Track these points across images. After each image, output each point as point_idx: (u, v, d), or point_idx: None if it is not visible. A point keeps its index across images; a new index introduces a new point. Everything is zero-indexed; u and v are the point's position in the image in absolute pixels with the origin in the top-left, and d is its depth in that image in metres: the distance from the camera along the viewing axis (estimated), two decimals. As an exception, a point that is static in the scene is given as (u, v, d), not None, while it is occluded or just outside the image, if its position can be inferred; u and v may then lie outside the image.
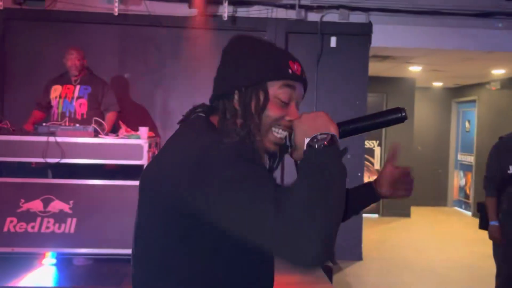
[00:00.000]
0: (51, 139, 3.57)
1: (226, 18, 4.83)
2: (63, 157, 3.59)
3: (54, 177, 3.94)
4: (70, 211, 3.61)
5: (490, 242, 3.35)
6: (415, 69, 7.16)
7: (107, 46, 4.96)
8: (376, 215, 7.93)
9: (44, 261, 3.48)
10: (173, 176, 0.98)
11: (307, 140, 1.02)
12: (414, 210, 8.11)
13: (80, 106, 4.04)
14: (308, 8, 5.05)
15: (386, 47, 5.35)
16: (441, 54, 5.92)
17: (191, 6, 4.73)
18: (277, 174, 1.30)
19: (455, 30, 5.22)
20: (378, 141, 8.14)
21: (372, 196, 1.33)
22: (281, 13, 5.07)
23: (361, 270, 5.02)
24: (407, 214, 8.04)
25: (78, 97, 4.06)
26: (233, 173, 0.93)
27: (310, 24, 5.07)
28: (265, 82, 1.07)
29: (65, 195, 3.65)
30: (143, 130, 3.80)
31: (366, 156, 7.26)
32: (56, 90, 4.10)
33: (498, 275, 3.32)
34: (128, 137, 3.78)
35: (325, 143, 0.99)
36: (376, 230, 6.76)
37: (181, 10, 4.90)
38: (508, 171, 3.21)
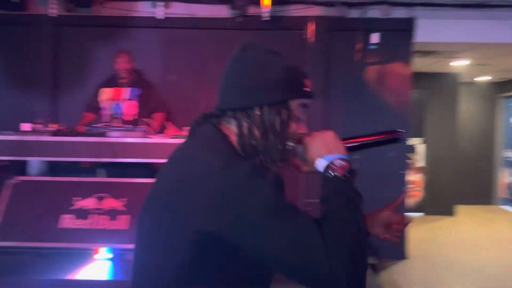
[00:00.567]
0: (103, 139, 3.73)
1: (266, 18, 4.87)
2: (114, 156, 3.75)
3: (106, 176, 4.12)
4: (123, 208, 3.76)
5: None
6: (459, 64, 6.98)
7: (153, 49, 5.11)
8: (420, 214, 7.78)
9: (97, 256, 3.63)
10: (199, 207, 0.94)
11: (322, 161, 1.04)
12: (459, 208, 7.90)
13: (129, 107, 4.20)
14: (350, 5, 5.03)
15: (429, 42, 5.25)
16: (488, 48, 5.75)
17: (233, 7, 4.80)
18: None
19: (503, 22, 5.06)
20: (421, 139, 7.98)
21: None
22: (320, 11, 5.08)
23: (406, 269, 4.96)
24: (452, 213, 7.84)
25: (127, 99, 4.22)
26: (275, 206, 0.91)
27: (351, 21, 5.05)
28: (288, 101, 1.07)
29: (117, 193, 3.81)
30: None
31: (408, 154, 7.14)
32: (106, 93, 4.27)
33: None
34: (175, 137, 3.89)
35: (345, 172, 1.02)
36: (420, 229, 6.63)
37: (222, 11, 4.99)
38: None
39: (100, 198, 3.80)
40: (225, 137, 1.06)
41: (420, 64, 6.51)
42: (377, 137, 1.18)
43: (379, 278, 3.70)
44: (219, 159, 0.98)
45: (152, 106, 4.28)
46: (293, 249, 0.89)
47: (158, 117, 4.24)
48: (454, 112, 7.94)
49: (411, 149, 7.71)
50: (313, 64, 5.06)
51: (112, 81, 4.32)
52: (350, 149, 1.13)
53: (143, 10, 4.98)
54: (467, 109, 8.70)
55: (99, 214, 3.75)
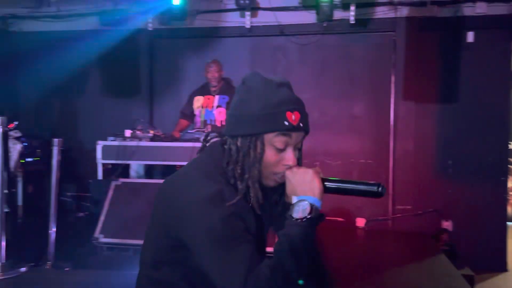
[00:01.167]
0: (196, 144, 3.94)
1: (353, 22, 4.83)
2: (206, 161, 3.94)
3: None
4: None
5: None
6: None
7: (240, 57, 5.30)
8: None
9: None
10: (170, 214, 1.17)
11: (294, 199, 1.15)
12: None
13: (219, 114, 4.40)
14: (441, 4, 4.82)
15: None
16: None
17: (319, 13, 4.83)
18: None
19: None
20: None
21: None
22: (410, 12, 4.92)
23: (506, 282, 4.61)
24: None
25: (218, 106, 4.42)
26: (216, 234, 1.07)
27: (443, 20, 4.83)
28: (262, 134, 1.17)
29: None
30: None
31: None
32: (198, 101, 4.52)
33: None
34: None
35: (304, 216, 1.11)
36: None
37: (308, 17, 5.04)
38: None
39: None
40: (222, 158, 1.22)
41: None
42: (357, 186, 1.20)
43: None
44: (195, 179, 1.17)
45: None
46: (216, 270, 1.07)
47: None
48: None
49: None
50: (404, 66, 4.92)
51: (203, 89, 4.55)
52: (327, 190, 1.19)
53: (232, 20, 5.18)
54: None
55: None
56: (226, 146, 1.23)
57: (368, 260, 3.90)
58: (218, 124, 4.37)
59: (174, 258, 1.20)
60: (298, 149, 1.26)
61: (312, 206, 1.14)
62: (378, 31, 5.05)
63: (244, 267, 1.04)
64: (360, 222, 4.97)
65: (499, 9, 4.71)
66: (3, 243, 3.42)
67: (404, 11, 4.92)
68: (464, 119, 4.82)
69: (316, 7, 4.82)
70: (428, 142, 4.95)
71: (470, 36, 4.76)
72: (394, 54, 4.98)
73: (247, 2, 4.92)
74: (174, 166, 4.25)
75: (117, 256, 3.88)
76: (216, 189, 1.12)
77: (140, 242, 3.46)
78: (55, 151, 3.77)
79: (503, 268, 4.80)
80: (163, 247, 1.21)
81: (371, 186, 1.20)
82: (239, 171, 1.19)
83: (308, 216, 1.12)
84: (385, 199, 4.94)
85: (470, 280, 3.31)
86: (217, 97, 4.46)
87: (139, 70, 5.51)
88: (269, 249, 1.21)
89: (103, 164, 4.19)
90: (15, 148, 4.27)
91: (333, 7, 4.76)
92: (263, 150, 1.18)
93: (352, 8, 4.80)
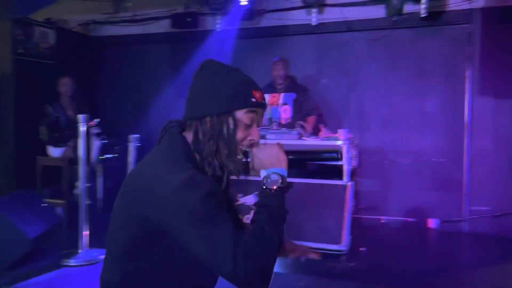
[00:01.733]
0: (262, 141, 4.00)
1: (424, 15, 4.65)
2: (272, 157, 4.00)
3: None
4: (278, 206, 3.99)
5: None
6: None
7: (306, 54, 5.30)
8: None
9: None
10: (147, 201, 1.17)
11: (263, 172, 1.24)
12: None
13: (285, 111, 4.44)
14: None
15: None
16: None
17: (388, 7, 4.70)
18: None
19: None
20: None
21: None
22: (486, 2, 4.65)
23: None
24: None
25: (284, 104, 4.47)
26: (204, 205, 1.11)
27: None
28: (233, 111, 1.24)
29: (274, 191, 4.05)
30: (343, 132, 3.96)
31: None
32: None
33: None
34: (329, 139, 3.99)
35: (277, 186, 1.22)
36: None
37: (376, 12, 4.92)
38: None
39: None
40: (183, 144, 1.27)
41: None
42: (316, 153, 1.35)
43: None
44: (165, 168, 1.20)
45: (306, 110, 4.46)
46: (205, 248, 1.10)
47: (311, 120, 4.39)
48: None
49: None
50: (481, 60, 4.66)
51: (269, 87, 4.62)
52: (293, 163, 1.29)
53: (298, 18, 5.20)
54: None
55: (258, 210, 4.04)
56: (190, 130, 1.29)
57: (441, 264, 3.75)
58: (283, 121, 4.41)
59: (151, 248, 1.22)
60: (259, 126, 1.34)
61: (282, 176, 1.24)
62: (452, 24, 4.81)
63: (231, 241, 1.09)
64: (433, 223, 4.78)
65: None
66: (86, 232, 3.71)
67: (480, 2, 4.65)
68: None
69: (385, 1, 4.70)
70: (508, 139, 4.65)
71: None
72: (470, 47, 4.72)
73: (314, -1, 4.91)
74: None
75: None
76: (188, 174, 1.17)
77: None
78: (132, 147, 4.01)
79: None
80: (139, 238, 1.21)
81: (330, 153, 1.35)
82: (214, 149, 1.24)
83: (281, 186, 1.23)
84: (459, 199, 4.71)
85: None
86: (283, 94, 4.50)
87: (208, 70, 5.69)
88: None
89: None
90: (96, 144, 4.60)
91: (403, 0, 4.61)
92: (236, 126, 1.25)
93: (424, 0, 4.62)
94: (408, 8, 4.70)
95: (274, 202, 1.23)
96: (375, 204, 4.90)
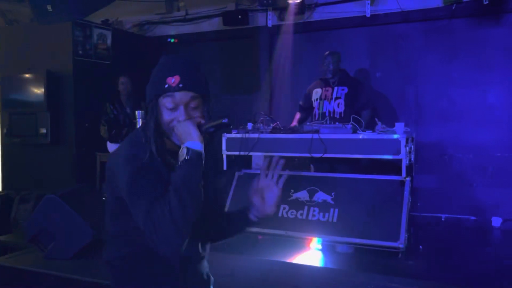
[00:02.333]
0: (315, 136, 3.95)
1: (486, 2, 4.41)
2: (325, 152, 3.93)
3: (316, 170, 4.36)
4: (332, 202, 3.92)
5: None
6: None
7: (359, 47, 5.18)
8: None
9: (311, 245, 3.87)
10: (114, 169, 1.45)
11: (182, 147, 1.38)
12: None
13: (338, 105, 4.35)
14: None
15: None
16: None
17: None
18: None
19: None
20: None
21: (243, 223, 1.67)
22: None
23: None
24: None
25: (336, 98, 4.38)
26: (134, 176, 1.37)
27: None
28: (155, 99, 1.44)
29: (327, 187, 3.99)
30: (399, 126, 3.82)
31: None
32: (317, 93, 4.52)
33: None
34: (383, 132, 3.86)
35: (183, 159, 1.35)
36: None
37: (433, 1, 4.73)
38: None
39: (312, 192, 4.04)
40: (141, 129, 1.51)
41: None
42: (216, 122, 1.44)
43: None
44: (122, 147, 1.49)
45: (360, 104, 4.35)
46: (133, 207, 1.36)
47: (365, 113, 4.28)
48: None
49: None
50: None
51: (322, 82, 4.55)
52: (205, 134, 1.41)
53: (351, 10, 5.08)
54: None
55: (311, 206, 3.99)
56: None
57: (503, 264, 3.54)
58: (337, 116, 4.33)
59: (124, 214, 1.44)
60: (195, 107, 1.46)
61: (188, 149, 1.35)
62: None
63: (146, 203, 1.31)
64: (496, 221, 4.53)
65: None
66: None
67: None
68: None
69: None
70: None
71: None
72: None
73: (368, -10, 4.79)
74: (293, 157, 4.32)
75: (240, 242, 4.06)
76: (130, 151, 1.43)
77: (262, 230, 3.56)
78: (185, 142, 4.07)
79: None
80: (119, 206, 1.46)
81: (218, 120, 1.45)
82: (152, 131, 1.45)
83: (186, 158, 1.35)
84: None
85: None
86: (336, 88, 4.42)
87: (259, 66, 5.70)
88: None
89: (228, 156, 4.41)
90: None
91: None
92: (157, 112, 1.44)
93: (486, -13, 4.38)
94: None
95: (178, 174, 1.35)
96: (433, 201, 4.71)
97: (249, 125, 4.34)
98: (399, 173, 3.78)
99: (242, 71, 5.84)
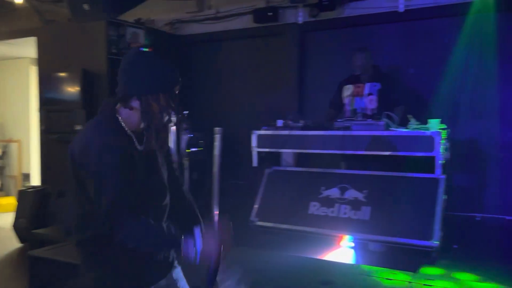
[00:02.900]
0: (347, 132, 3.92)
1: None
2: (357, 149, 3.90)
3: (347, 168, 4.32)
4: (364, 200, 3.88)
5: None
6: None
7: (391, 42, 5.10)
8: None
9: (342, 243, 3.84)
10: (85, 154, 1.56)
11: None
12: None
13: (370, 102, 4.30)
14: None
15: None
16: None
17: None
18: None
19: None
20: None
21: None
22: None
23: None
24: None
25: (368, 94, 4.33)
26: (106, 165, 1.52)
27: None
28: (160, 93, 1.63)
29: (359, 184, 3.95)
30: (434, 122, 3.75)
31: None
32: (348, 89, 4.48)
33: None
34: (417, 129, 3.80)
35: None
36: None
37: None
38: None
39: (343, 189, 4.02)
40: (114, 112, 1.66)
41: None
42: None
43: None
44: (98, 134, 1.59)
45: (392, 100, 4.28)
46: (98, 193, 1.52)
47: (398, 110, 4.21)
48: None
49: None
50: None
51: (353, 78, 4.50)
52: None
53: (383, 6, 5.01)
54: None
55: (343, 204, 3.96)
56: (132, 104, 1.68)
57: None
58: (369, 112, 4.27)
59: (88, 198, 1.58)
60: None
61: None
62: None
63: (112, 194, 1.49)
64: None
65: None
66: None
67: None
68: None
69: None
70: None
71: None
72: None
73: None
74: (324, 154, 4.29)
75: (271, 238, 4.09)
76: (106, 141, 1.56)
77: (293, 227, 3.61)
78: (218, 138, 4.10)
79: None
80: (81, 193, 1.60)
81: None
82: (150, 123, 1.65)
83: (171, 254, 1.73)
84: None
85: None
86: (368, 84, 4.36)
87: (289, 63, 5.69)
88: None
89: (258, 152, 4.42)
90: (183, 138, 4.78)
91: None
92: (156, 106, 1.65)
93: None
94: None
95: (156, 237, 1.57)
96: (469, 200, 4.59)
97: (279, 122, 4.34)
98: (432, 170, 3.71)
99: (272, 68, 5.84)
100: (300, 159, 4.56)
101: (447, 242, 3.70)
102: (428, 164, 3.73)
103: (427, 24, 4.95)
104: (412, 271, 3.12)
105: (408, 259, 3.42)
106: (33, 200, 5.31)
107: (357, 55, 4.43)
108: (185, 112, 4.21)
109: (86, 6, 3.48)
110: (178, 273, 1.82)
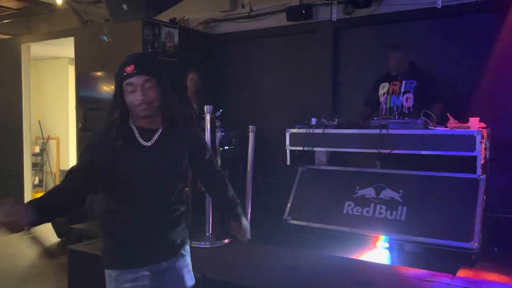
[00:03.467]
0: (383, 131, 3.85)
1: None
2: (394, 148, 3.82)
3: (383, 167, 4.25)
4: (400, 200, 3.80)
5: None
6: None
7: (428, 39, 4.98)
8: None
9: (378, 243, 3.78)
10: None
11: None
12: None
13: (406, 100, 4.21)
14: None
15: None
16: None
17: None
18: None
19: None
20: None
21: (227, 211, 2.19)
22: None
23: None
24: None
25: (405, 92, 4.24)
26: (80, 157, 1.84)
27: None
28: (119, 86, 1.81)
29: (395, 184, 3.88)
30: (474, 121, 3.64)
31: None
32: (384, 87, 4.40)
33: None
34: (458, 128, 3.69)
35: None
36: None
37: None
38: None
39: (379, 189, 3.95)
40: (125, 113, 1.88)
41: None
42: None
43: None
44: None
45: (430, 97, 4.18)
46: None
47: (436, 108, 4.10)
48: None
49: None
50: None
51: (389, 76, 4.42)
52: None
53: (420, 2, 4.89)
54: None
55: (378, 203, 3.90)
56: None
57: None
58: (405, 110, 4.18)
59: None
60: (150, 88, 1.77)
61: None
62: None
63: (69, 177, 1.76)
64: None
65: None
66: (210, 218, 3.90)
67: None
68: None
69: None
70: None
71: None
72: None
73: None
74: (359, 153, 4.23)
75: (304, 237, 4.07)
76: (91, 134, 1.82)
77: (327, 226, 3.63)
78: (252, 136, 4.11)
79: None
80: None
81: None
82: (112, 113, 1.84)
83: None
84: None
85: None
86: (404, 82, 4.27)
87: (323, 61, 5.64)
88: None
89: (291, 151, 4.40)
90: (216, 136, 4.81)
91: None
92: (122, 95, 1.80)
93: None
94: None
95: None
96: (509, 201, 4.43)
97: (313, 120, 4.31)
98: (472, 170, 3.60)
99: (305, 66, 5.81)
100: (333, 158, 4.52)
101: (487, 244, 3.59)
102: (467, 164, 3.62)
103: (465, 20, 4.81)
104: (451, 274, 3.04)
105: (447, 261, 3.33)
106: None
107: (391, 55, 4.34)
108: (217, 112, 4.24)
109: (125, 6, 3.55)
110: (184, 262, 1.92)
